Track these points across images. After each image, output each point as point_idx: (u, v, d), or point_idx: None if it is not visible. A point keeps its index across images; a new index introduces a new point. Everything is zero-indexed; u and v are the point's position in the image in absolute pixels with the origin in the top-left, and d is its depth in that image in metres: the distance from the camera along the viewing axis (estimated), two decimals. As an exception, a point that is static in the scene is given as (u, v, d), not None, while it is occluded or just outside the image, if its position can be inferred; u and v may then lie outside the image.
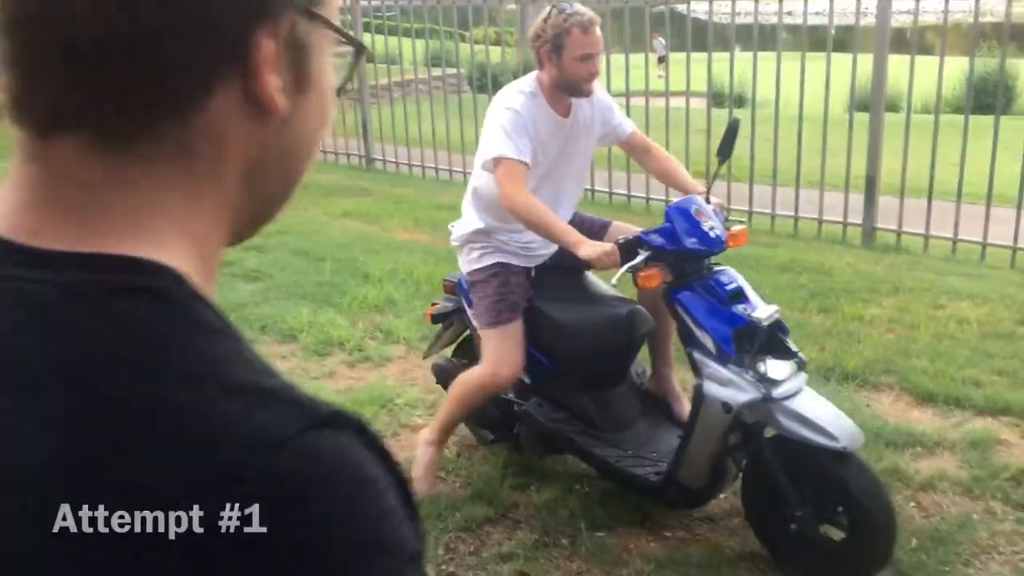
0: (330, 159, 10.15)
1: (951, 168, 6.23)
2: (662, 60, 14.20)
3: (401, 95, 11.01)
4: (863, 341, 4.45)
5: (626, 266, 2.68)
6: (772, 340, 2.68)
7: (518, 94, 2.91)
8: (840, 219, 6.64)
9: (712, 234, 2.73)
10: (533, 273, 3.16)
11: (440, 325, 3.59)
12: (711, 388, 2.64)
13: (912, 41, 6.53)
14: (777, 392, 2.58)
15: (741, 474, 2.86)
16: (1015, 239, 5.92)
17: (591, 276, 3.26)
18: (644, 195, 7.49)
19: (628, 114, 7.99)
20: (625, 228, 3.18)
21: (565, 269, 3.15)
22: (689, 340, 2.73)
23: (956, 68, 7.88)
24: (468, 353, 3.53)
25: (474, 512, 3.14)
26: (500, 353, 3.01)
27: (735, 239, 2.88)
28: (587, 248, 2.65)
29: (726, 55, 7.34)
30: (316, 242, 6.55)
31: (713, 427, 2.66)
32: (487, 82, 9.57)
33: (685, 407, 3.18)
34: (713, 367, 2.65)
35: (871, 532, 2.57)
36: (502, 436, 3.40)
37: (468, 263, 3.13)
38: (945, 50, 6.54)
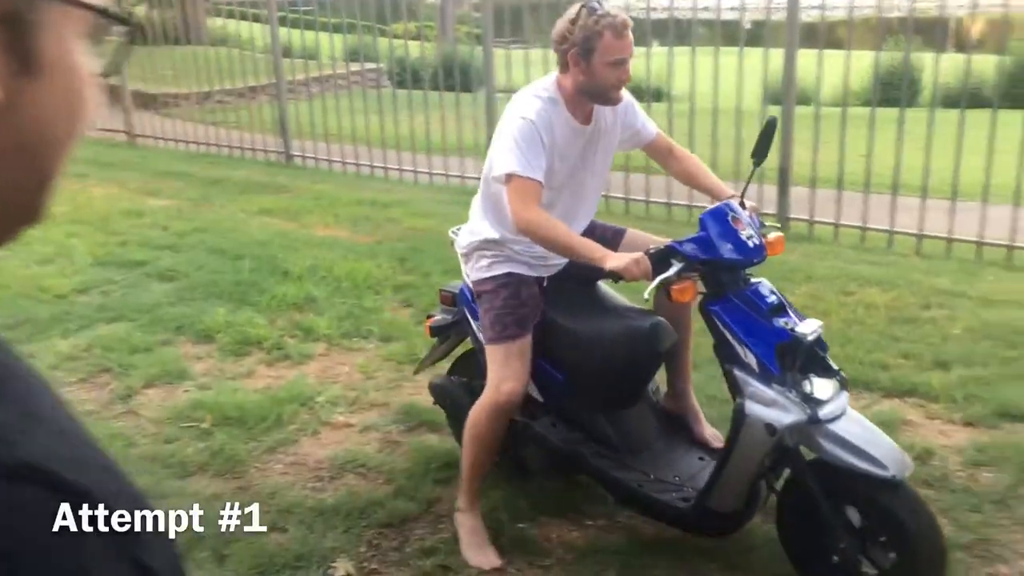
0: (247, 155, 9.97)
1: (860, 159, 6.42)
2: (582, 55, 14.22)
3: (320, 90, 10.87)
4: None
5: (659, 278, 2.46)
6: (812, 357, 2.52)
7: (535, 99, 2.69)
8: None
9: (751, 243, 2.53)
10: (545, 283, 2.94)
11: (433, 338, 3.36)
12: (754, 408, 2.45)
13: (821, 36, 6.70)
14: (823, 413, 2.41)
15: (776, 498, 2.70)
16: (920, 226, 6.13)
17: (605, 286, 3.05)
18: (666, 200, 7.52)
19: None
20: (641, 236, 2.99)
21: (578, 279, 2.95)
22: (729, 356, 2.53)
23: (864, 62, 8.10)
24: (466, 369, 3.29)
25: (397, 508, 3.13)
26: (505, 370, 2.77)
27: (772, 247, 2.65)
28: (615, 260, 2.46)
29: (643, 50, 7.43)
30: (233, 240, 6.42)
31: (754, 450, 2.48)
32: (407, 77, 9.52)
33: (705, 427, 3.07)
34: (756, 386, 2.46)
35: (921, 565, 2.43)
36: (504, 456, 3.12)
37: (476, 271, 2.90)
38: (852, 44, 6.73)
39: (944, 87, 8.16)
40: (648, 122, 2.99)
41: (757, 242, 2.56)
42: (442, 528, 3.04)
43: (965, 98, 6.16)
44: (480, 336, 2.95)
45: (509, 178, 2.59)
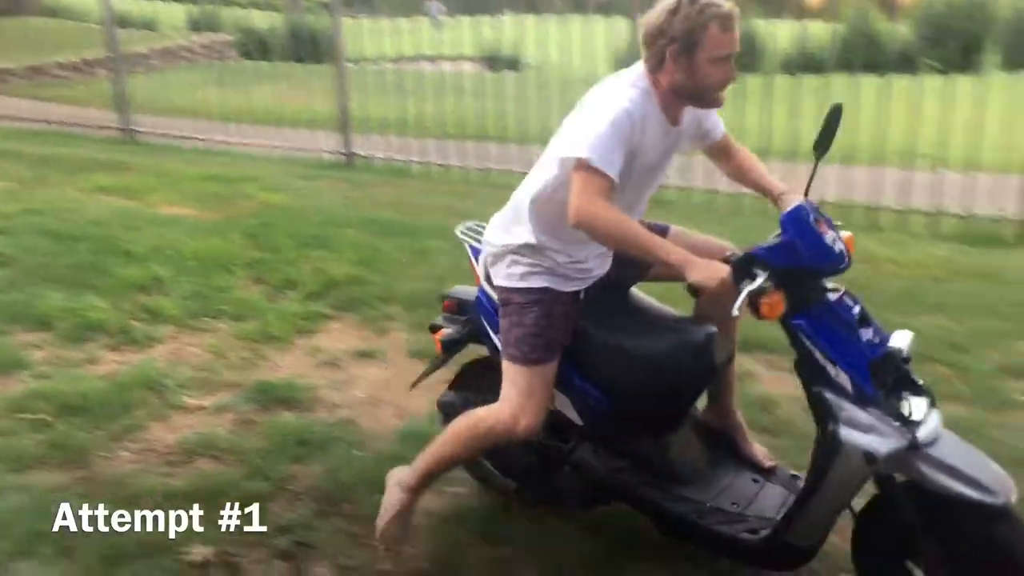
0: (84, 132, 9.45)
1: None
2: (437, 25, 14.18)
3: (162, 63, 10.40)
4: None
5: (746, 291, 2.17)
6: (900, 372, 2.28)
7: (631, 88, 2.32)
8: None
9: (836, 248, 2.28)
10: (582, 295, 2.60)
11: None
12: (850, 435, 2.19)
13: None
14: (921, 437, 2.17)
15: (855, 521, 2.45)
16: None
17: (640, 292, 2.76)
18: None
19: (402, 80, 7.88)
20: (688, 234, 2.65)
21: (611, 285, 2.65)
22: (819, 377, 2.26)
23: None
24: (474, 383, 2.93)
25: (251, 488, 3.04)
26: (526, 397, 2.49)
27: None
28: (700, 271, 2.14)
29: (497, 18, 7.44)
30: (69, 221, 6.07)
31: (849, 480, 2.24)
32: (254, 48, 9.22)
33: (752, 444, 2.83)
34: (851, 410, 2.21)
35: None
36: (536, 489, 2.88)
37: (506, 277, 2.54)
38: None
39: (783, 53, 8.52)
40: (719, 121, 2.64)
41: (842, 246, 2.30)
42: (299, 505, 2.98)
43: (801, 64, 6.46)
44: (499, 345, 2.65)
45: (580, 163, 2.23)
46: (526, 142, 7.06)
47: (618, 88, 2.33)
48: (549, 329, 2.48)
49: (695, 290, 2.22)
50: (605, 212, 2.21)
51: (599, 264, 2.57)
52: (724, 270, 2.16)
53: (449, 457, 2.66)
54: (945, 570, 2.23)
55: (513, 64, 9.13)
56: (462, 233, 2.86)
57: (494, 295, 2.63)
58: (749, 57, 7.75)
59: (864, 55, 6.36)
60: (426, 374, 3.04)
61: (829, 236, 2.27)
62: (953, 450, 2.20)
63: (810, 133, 6.50)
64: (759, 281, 2.17)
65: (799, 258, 2.23)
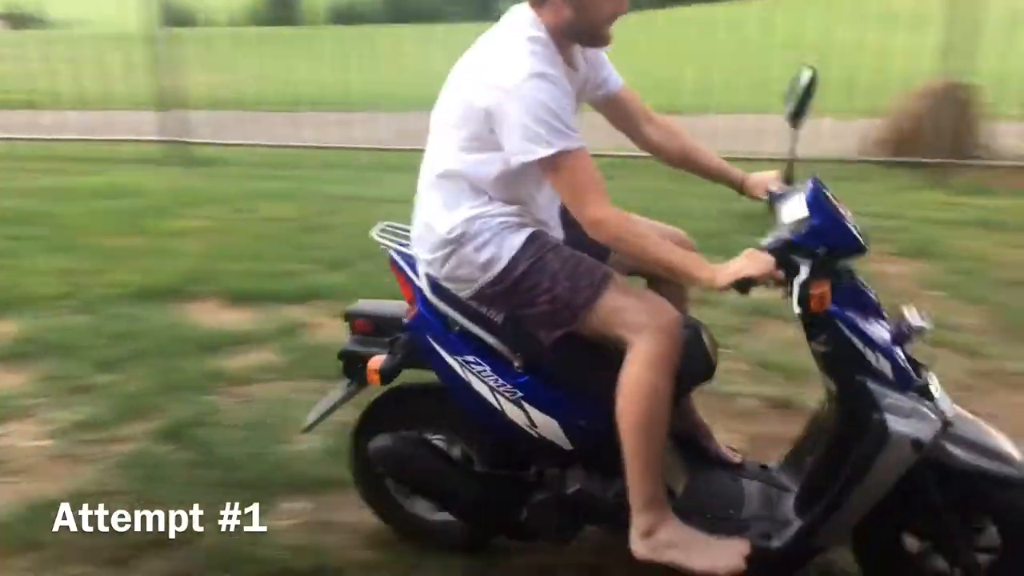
0: None
1: (255, 79, 6.49)
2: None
3: None
4: (178, 256, 4.44)
5: (797, 284, 1.98)
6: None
7: (530, 43, 2.02)
8: (152, 138, 6.58)
9: (857, 227, 2.10)
10: None
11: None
12: (895, 423, 2.06)
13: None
14: (949, 415, 2.07)
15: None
16: (321, 139, 6.40)
17: None
18: None
19: None
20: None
21: None
22: (862, 367, 2.10)
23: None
24: (408, 420, 2.41)
25: None
26: (639, 302, 2.11)
27: None
28: (731, 271, 1.94)
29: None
30: None
31: (895, 472, 2.09)
32: None
33: (718, 442, 2.58)
34: (892, 397, 2.08)
35: None
36: (489, 527, 2.45)
37: (484, 266, 2.13)
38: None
39: (328, 6, 8.58)
40: (613, 70, 2.35)
41: (860, 225, 2.13)
42: None
43: (346, 16, 6.53)
44: (459, 369, 2.24)
45: (557, 159, 1.96)
46: (61, 106, 6.44)
47: (519, 47, 2.04)
48: (576, 254, 2.15)
49: (745, 287, 1.97)
50: (619, 218, 2.00)
51: (555, 226, 2.26)
52: (764, 260, 1.96)
53: (650, 449, 2.18)
54: (966, 544, 2.18)
55: (38, 22, 8.30)
56: (380, 236, 2.37)
57: (445, 307, 2.23)
58: (287, 9, 7.74)
59: (407, 6, 6.59)
60: (325, 413, 2.46)
61: (848, 214, 2.14)
62: (967, 424, 2.16)
63: (362, 84, 6.61)
64: (805, 271, 2.01)
65: (832, 239, 2.06)
